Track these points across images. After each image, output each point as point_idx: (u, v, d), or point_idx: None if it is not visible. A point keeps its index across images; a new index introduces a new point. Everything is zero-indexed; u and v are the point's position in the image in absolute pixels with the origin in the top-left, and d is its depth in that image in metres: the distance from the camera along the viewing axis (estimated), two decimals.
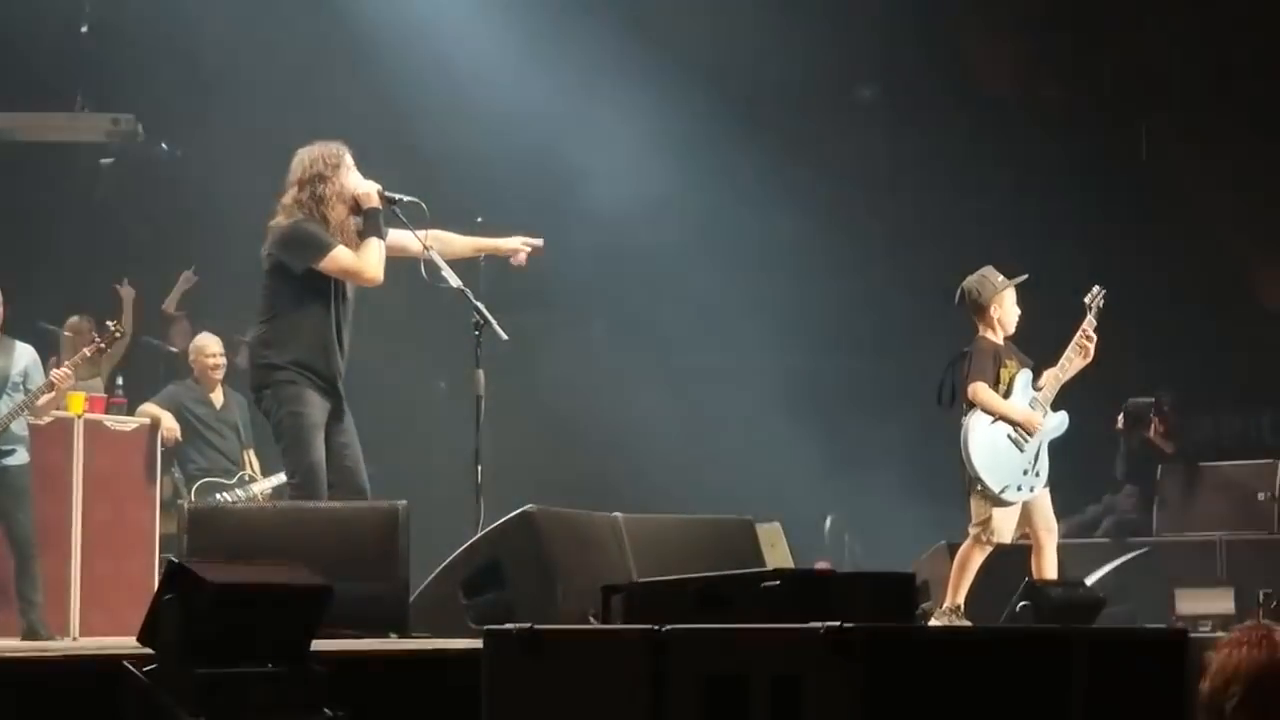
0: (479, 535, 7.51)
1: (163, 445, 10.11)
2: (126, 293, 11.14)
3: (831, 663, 4.09)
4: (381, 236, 7.65)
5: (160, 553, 9.60)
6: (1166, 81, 13.66)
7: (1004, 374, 8.07)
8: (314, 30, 12.33)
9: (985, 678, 4.37)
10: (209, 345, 10.76)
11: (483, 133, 12.51)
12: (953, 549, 8.28)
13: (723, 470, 12.09)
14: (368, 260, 7.57)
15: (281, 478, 9.13)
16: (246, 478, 10.46)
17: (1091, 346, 8.13)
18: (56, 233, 12.66)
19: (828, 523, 12.80)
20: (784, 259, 13.08)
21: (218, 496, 10.21)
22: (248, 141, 11.38)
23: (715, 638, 4.29)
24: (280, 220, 7.61)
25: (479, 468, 7.62)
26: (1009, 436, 8.00)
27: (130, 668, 4.56)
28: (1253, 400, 13.54)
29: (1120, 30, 13.63)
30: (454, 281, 7.66)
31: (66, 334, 10.82)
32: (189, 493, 10.24)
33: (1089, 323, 8.17)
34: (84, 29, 12.45)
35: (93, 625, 9.33)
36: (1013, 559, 8.16)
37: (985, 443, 7.96)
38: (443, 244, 7.86)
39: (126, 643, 5.35)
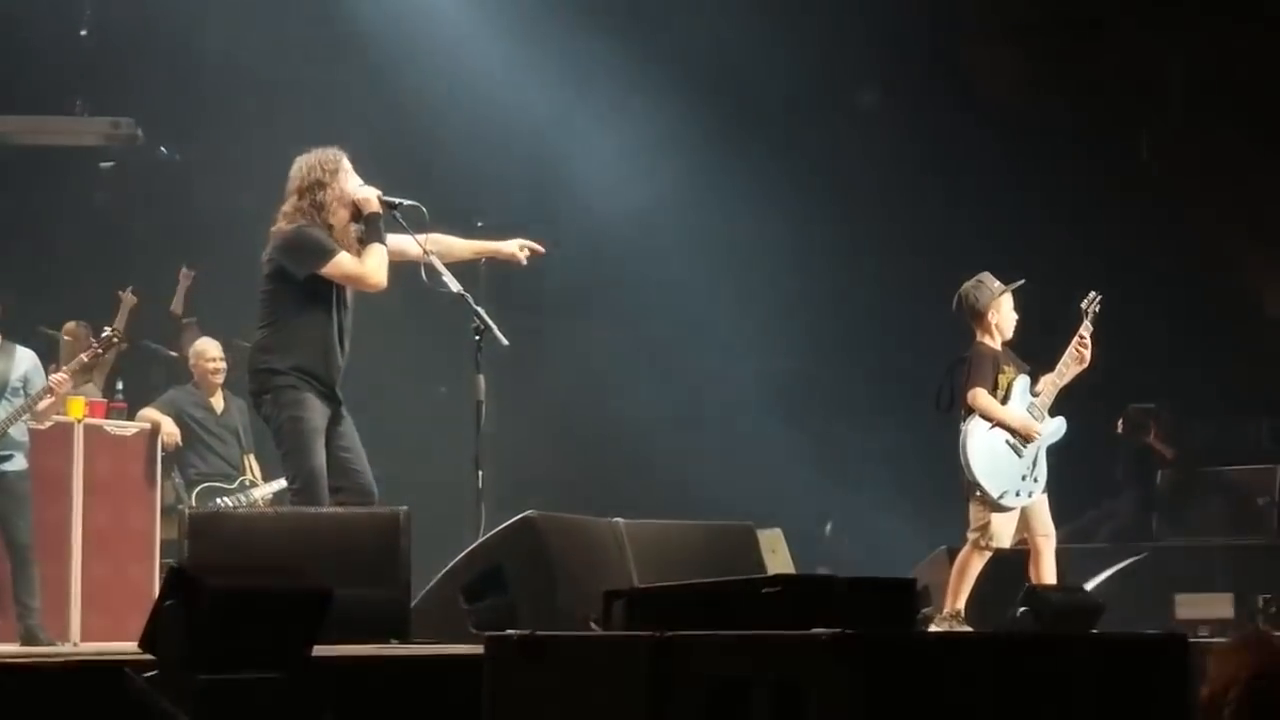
0: (480, 541, 7.51)
1: (163, 450, 10.10)
2: (127, 299, 11.15)
3: (833, 668, 4.09)
4: (383, 242, 7.63)
5: (161, 558, 9.59)
6: (1167, 87, 13.67)
7: (1002, 379, 8.07)
8: (313, 34, 12.33)
9: (987, 683, 4.37)
10: (209, 350, 10.74)
11: (481, 136, 12.51)
12: (952, 554, 8.28)
13: (723, 474, 12.08)
14: (371, 266, 7.56)
15: (282, 483, 9.13)
16: (247, 483, 10.45)
17: (1088, 352, 8.14)
18: (56, 237, 12.66)
19: (828, 527, 12.80)
20: (782, 263, 13.08)
21: (218, 501, 10.20)
22: (247, 145, 11.38)
23: (717, 643, 4.29)
24: (281, 226, 7.60)
25: (480, 473, 7.61)
26: (1007, 442, 8.00)
27: (131, 674, 4.56)
28: (1253, 406, 13.55)
29: (1121, 35, 13.64)
30: (454, 286, 7.65)
31: (65, 338, 10.81)
32: (189, 498, 10.24)
33: (1085, 328, 8.18)
34: (83, 33, 12.44)
35: (93, 630, 9.32)
36: (1012, 564, 8.17)
37: (984, 448, 7.97)
38: (443, 247, 7.85)
39: (127, 648, 5.34)
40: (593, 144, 12.75)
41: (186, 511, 7.43)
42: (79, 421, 9.63)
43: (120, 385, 10.74)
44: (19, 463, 9.22)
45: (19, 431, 9.21)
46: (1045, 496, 8.09)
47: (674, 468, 12.26)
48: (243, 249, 8.31)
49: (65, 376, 9.38)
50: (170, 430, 10.26)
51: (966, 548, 8.01)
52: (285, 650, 4.74)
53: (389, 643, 6.71)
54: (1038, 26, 13.82)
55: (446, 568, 7.54)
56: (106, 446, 9.79)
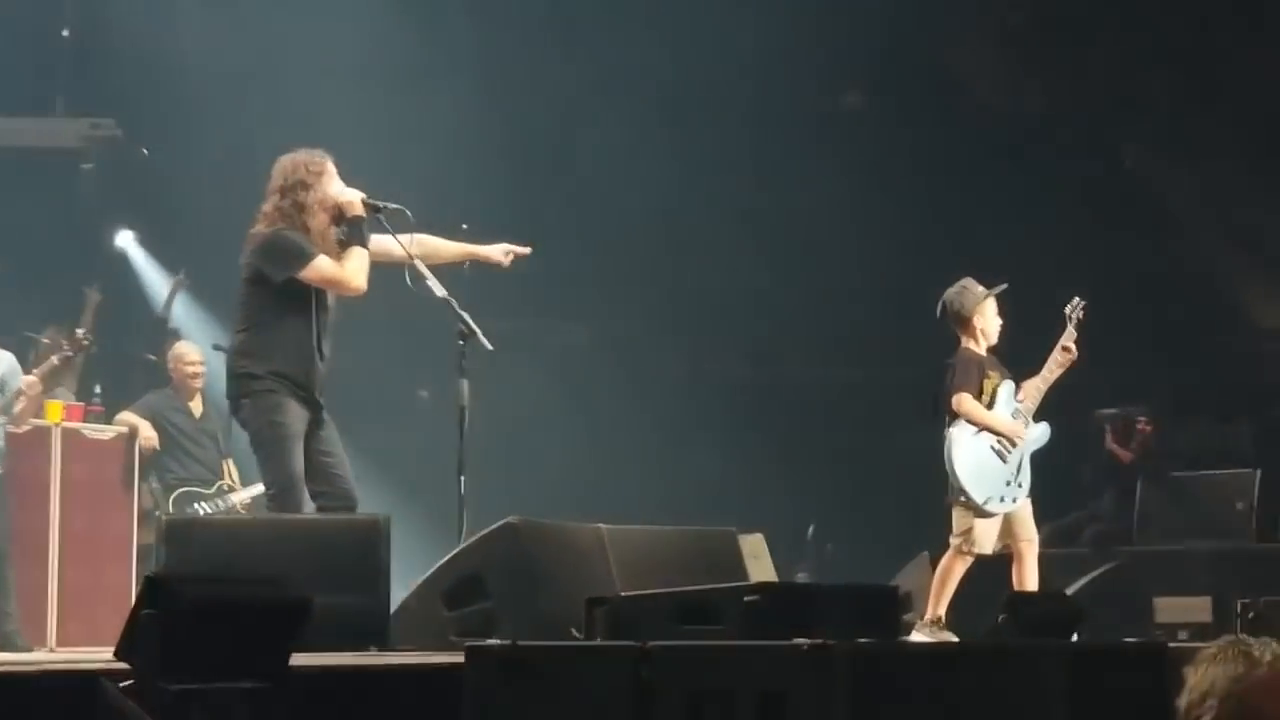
0: (461, 547, 7.47)
1: (141, 454, 10.06)
2: (92, 296, 11.10)
3: (816, 678, 4.08)
4: (365, 245, 7.59)
5: (138, 563, 9.54)
6: (1150, 92, 13.69)
7: (987, 385, 8.07)
8: (297, 34, 12.28)
9: (969, 692, 4.37)
10: (188, 353, 10.69)
11: (466, 139, 12.48)
12: (934, 560, 8.27)
13: (705, 479, 12.07)
14: (351, 269, 7.52)
15: (260, 488, 9.07)
16: (225, 488, 10.40)
17: (1071, 358, 8.14)
18: (36, 238, 12.59)
19: (810, 532, 12.79)
20: (762, 269, 13.07)
21: (196, 506, 10.15)
22: (229, 146, 11.34)
23: (699, 653, 4.28)
24: (260, 228, 7.54)
25: (462, 478, 7.57)
26: (992, 448, 8.00)
27: (107, 683, 4.52)
28: (1233, 410, 13.57)
29: (1104, 41, 13.65)
30: (439, 291, 7.61)
31: (45, 341, 10.76)
32: (167, 502, 10.19)
33: (1069, 334, 8.18)
34: (64, 33, 12.39)
35: (70, 635, 9.27)
36: (995, 569, 8.16)
37: (969, 454, 7.96)
38: (428, 250, 7.82)
39: (103, 656, 5.30)
40: (579, 147, 12.74)
41: (163, 517, 7.39)
42: (56, 425, 9.58)
43: (98, 389, 10.69)
44: None
45: None
46: (1029, 503, 8.09)
47: (656, 473, 12.25)
48: (223, 252, 8.25)
49: (36, 379, 9.34)
50: (148, 434, 10.21)
51: (949, 553, 8.01)
52: (263, 659, 4.70)
53: (369, 650, 6.68)
54: (1022, 31, 13.83)
55: (428, 574, 7.50)
56: (84, 450, 9.75)
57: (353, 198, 7.59)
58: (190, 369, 10.62)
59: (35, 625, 9.22)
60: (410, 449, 11.79)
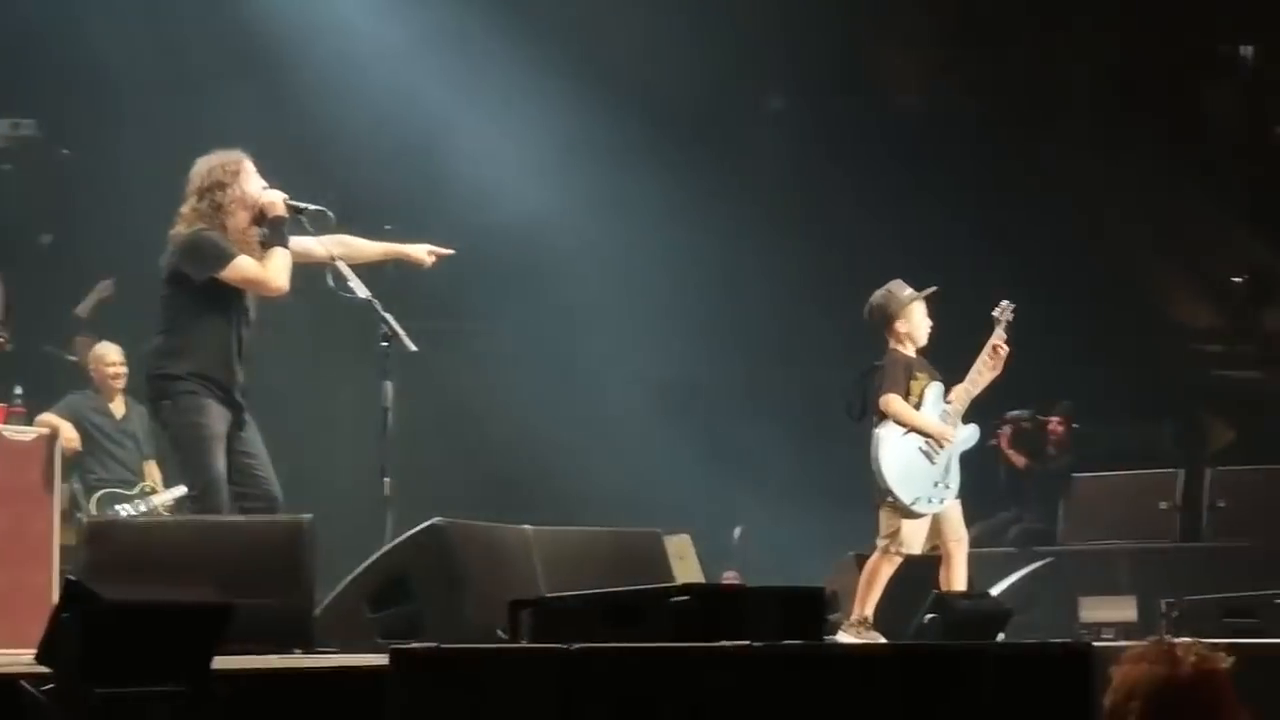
0: (386, 548, 7.44)
1: (63, 455, 9.94)
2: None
3: (741, 680, 4.08)
4: (286, 246, 7.55)
5: (60, 564, 9.43)
6: (1074, 92, 13.79)
7: (915, 386, 8.07)
8: (218, 32, 12.20)
9: (895, 694, 4.38)
10: (109, 354, 10.60)
11: (387, 139, 12.43)
12: (861, 560, 8.27)
13: (630, 480, 12.06)
14: (272, 270, 7.48)
15: (183, 490, 8.98)
16: (147, 489, 10.32)
17: (1001, 360, 8.15)
18: None
19: (737, 533, 12.80)
20: (691, 269, 13.08)
21: (118, 508, 10.07)
22: (151, 147, 11.23)
23: (625, 657, 4.26)
24: (180, 229, 7.51)
25: (386, 480, 7.54)
26: (920, 449, 8.01)
27: (27, 686, 4.47)
28: (1155, 410, 13.69)
29: (1029, 40, 13.75)
30: (361, 292, 7.59)
31: None
32: (89, 503, 10.10)
33: (998, 336, 8.18)
34: None
35: None
36: (922, 569, 8.17)
37: (897, 455, 7.96)
38: (350, 249, 7.80)
39: (24, 659, 5.24)
40: (499, 149, 12.70)
41: (85, 520, 7.32)
42: None
43: (19, 390, 10.57)
44: None
45: None
46: (958, 503, 8.10)
47: (581, 474, 12.22)
48: (144, 253, 8.17)
49: None
50: (70, 435, 10.10)
51: (876, 554, 8.00)
52: (185, 662, 4.66)
53: (292, 653, 6.63)
54: (945, 32, 13.90)
55: (352, 575, 7.46)
56: (4, 452, 9.60)
57: (275, 198, 7.56)
58: (111, 369, 10.53)
59: None
60: (333, 450, 11.72)
